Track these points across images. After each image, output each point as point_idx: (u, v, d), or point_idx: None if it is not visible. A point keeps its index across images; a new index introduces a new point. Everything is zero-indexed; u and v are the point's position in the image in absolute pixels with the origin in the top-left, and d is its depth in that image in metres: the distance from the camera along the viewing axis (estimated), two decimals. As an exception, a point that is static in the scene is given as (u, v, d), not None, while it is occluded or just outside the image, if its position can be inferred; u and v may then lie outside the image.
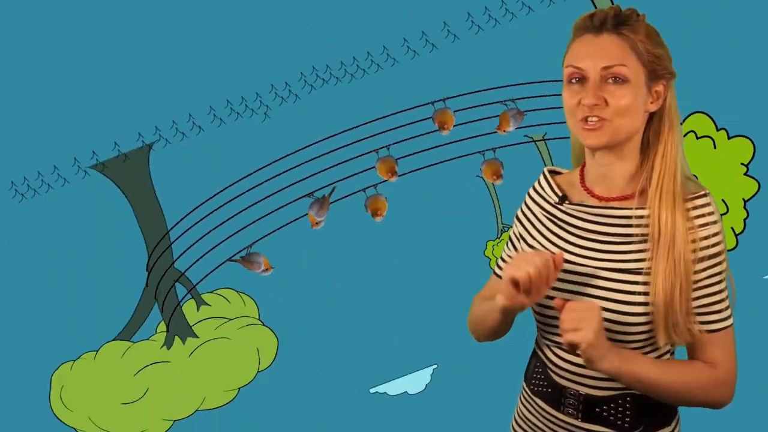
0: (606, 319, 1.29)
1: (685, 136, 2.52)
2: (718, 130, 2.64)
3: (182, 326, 2.77)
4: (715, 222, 1.29)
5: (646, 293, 1.29)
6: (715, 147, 2.66)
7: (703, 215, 1.28)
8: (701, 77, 2.54)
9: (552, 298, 1.32)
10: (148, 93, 2.66)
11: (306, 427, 2.77)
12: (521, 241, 1.47)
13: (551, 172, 1.46)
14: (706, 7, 2.59)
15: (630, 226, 1.31)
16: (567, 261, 1.34)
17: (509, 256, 1.52)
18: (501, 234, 2.69)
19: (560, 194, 1.39)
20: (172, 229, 2.72)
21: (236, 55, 2.64)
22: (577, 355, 1.31)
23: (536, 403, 1.46)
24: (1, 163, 2.68)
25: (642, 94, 1.28)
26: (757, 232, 2.68)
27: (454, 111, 2.61)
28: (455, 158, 2.63)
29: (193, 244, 2.70)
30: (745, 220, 2.68)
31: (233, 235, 2.67)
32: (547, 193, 1.43)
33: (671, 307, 1.27)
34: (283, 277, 2.73)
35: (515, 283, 1.24)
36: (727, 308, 1.33)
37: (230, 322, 2.77)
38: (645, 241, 1.29)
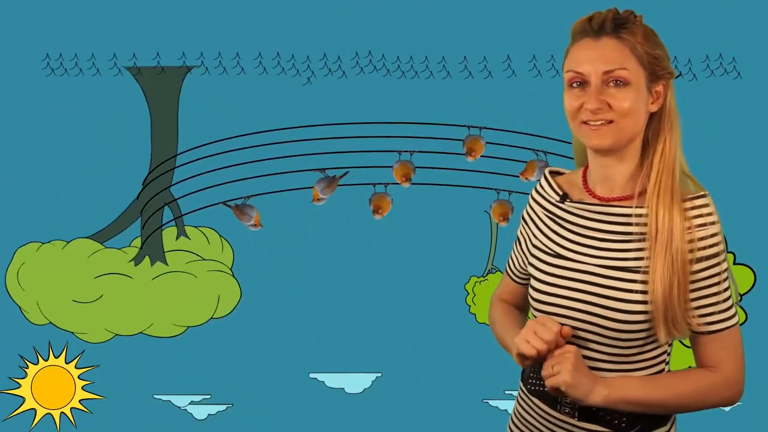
0: (605, 317, 1.31)
1: None
2: (727, 252, 2.64)
3: (156, 249, 2.76)
4: (713, 223, 1.29)
5: (644, 291, 1.29)
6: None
7: (701, 215, 1.29)
8: (723, 195, 2.54)
9: (562, 316, 1.37)
10: (207, 19, 2.67)
11: (237, 387, 2.77)
12: (527, 241, 1.50)
13: (552, 172, 1.48)
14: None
15: (629, 224, 1.32)
16: (567, 258, 1.37)
17: (516, 256, 1.56)
18: (486, 274, 2.69)
19: (561, 193, 1.41)
20: (180, 154, 2.72)
21: (305, 13, 2.66)
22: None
23: (533, 403, 1.47)
24: (42, 33, 2.67)
25: (643, 96, 1.30)
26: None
27: (486, 142, 2.61)
28: (470, 187, 2.64)
29: (195, 176, 2.70)
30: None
31: (235, 181, 2.67)
32: (548, 193, 1.44)
33: (670, 302, 1.28)
34: (268, 238, 2.73)
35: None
36: (730, 308, 1.33)
37: (203, 261, 2.77)
38: (644, 240, 1.30)
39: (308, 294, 2.70)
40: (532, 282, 1.43)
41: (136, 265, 2.76)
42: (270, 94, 2.68)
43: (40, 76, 2.66)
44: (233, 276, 2.77)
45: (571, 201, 1.39)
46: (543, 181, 1.47)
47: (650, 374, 1.36)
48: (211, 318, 2.76)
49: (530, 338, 1.29)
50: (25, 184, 2.70)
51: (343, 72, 2.67)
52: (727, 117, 2.60)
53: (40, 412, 2.76)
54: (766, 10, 2.57)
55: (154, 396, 2.77)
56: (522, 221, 1.52)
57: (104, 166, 2.71)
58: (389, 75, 2.63)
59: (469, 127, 2.62)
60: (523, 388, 1.50)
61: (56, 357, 2.74)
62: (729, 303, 1.33)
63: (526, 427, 1.49)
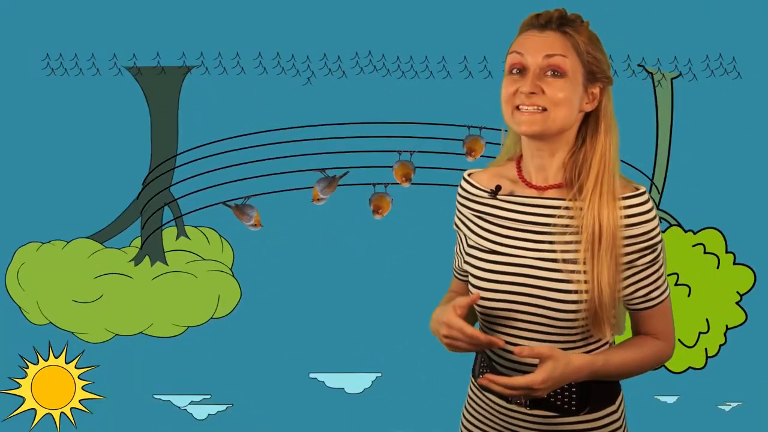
0: (548, 308, 1.35)
1: (693, 246, 2.62)
2: (727, 252, 2.64)
3: (156, 249, 2.75)
4: (654, 217, 1.34)
5: (585, 281, 1.33)
6: (718, 267, 2.67)
7: (641, 213, 1.33)
8: (723, 195, 2.63)
9: (505, 310, 1.39)
10: (207, 19, 2.65)
11: (237, 387, 2.77)
12: (460, 246, 1.54)
13: (470, 174, 1.51)
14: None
15: (564, 216, 1.35)
16: (504, 254, 1.39)
17: (457, 259, 1.59)
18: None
19: (491, 188, 1.44)
20: (180, 154, 2.70)
21: (305, 13, 2.64)
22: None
23: (485, 397, 1.49)
24: (42, 33, 2.65)
25: (578, 92, 1.33)
26: (727, 362, 2.69)
27: (486, 142, 2.61)
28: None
29: (195, 176, 2.68)
30: (721, 346, 2.69)
31: (235, 181, 2.65)
32: (473, 194, 1.48)
33: (613, 303, 1.34)
34: (268, 238, 2.71)
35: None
36: (664, 282, 1.40)
37: (203, 261, 2.76)
38: (579, 233, 1.33)
39: (308, 294, 2.68)
40: (471, 280, 1.44)
41: (136, 265, 2.74)
42: (270, 94, 2.66)
43: (40, 76, 2.64)
44: (233, 276, 2.76)
45: (504, 194, 1.42)
46: (464, 184, 1.50)
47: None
48: (211, 318, 2.75)
49: (458, 344, 1.34)
50: (25, 184, 2.69)
51: (343, 72, 2.65)
52: (727, 117, 2.61)
53: (40, 412, 2.75)
54: (766, 10, 2.57)
55: (154, 396, 2.76)
56: (455, 227, 1.55)
57: (104, 166, 2.70)
58: (389, 75, 2.63)
59: (469, 127, 2.62)
60: (475, 383, 1.52)
61: (56, 357, 2.73)
62: (663, 278, 1.40)
63: (480, 421, 1.51)
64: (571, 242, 1.35)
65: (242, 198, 2.69)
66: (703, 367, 2.67)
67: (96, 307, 2.72)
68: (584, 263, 1.32)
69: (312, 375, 2.74)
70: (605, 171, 1.34)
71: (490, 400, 1.48)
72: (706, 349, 2.67)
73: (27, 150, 2.69)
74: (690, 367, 2.66)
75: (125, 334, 2.75)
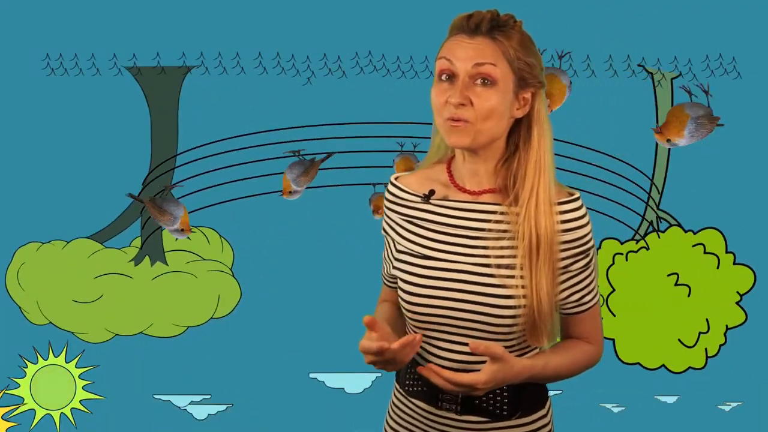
0: (483, 314, 1.33)
1: (693, 246, 2.63)
2: (727, 252, 2.65)
3: (156, 249, 2.74)
4: (587, 222, 1.35)
5: (522, 286, 1.32)
6: (718, 267, 2.67)
7: (577, 218, 1.34)
8: (723, 195, 2.63)
9: (438, 316, 1.36)
10: (207, 19, 2.64)
11: (237, 387, 2.75)
12: (389, 252, 1.50)
13: (397, 178, 1.48)
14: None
15: (501, 222, 1.34)
16: (437, 259, 1.37)
17: (386, 265, 1.55)
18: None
19: (423, 193, 1.41)
20: (180, 154, 2.70)
21: (305, 13, 2.63)
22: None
23: (413, 404, 1.46)
24: (42, 33, 2.65)
25: (508, 99, 1.31)
26: (728, 362, 2.69)
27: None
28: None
29: (195, 175, 2.67)
30: (721, 346, 2.68)
31: (235, 181, 2.65)
32: (402, 198, 1.44)
33: (551, 311, 1.34)
34: (268, 238, 2.70)
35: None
36: (594, 288, 1.40)
37: (203, 261, 2.75)
38: (515, 238, 1.32)
39: (308, 294, 2.67)
40: (402, 286, 1.41)
41: (136, 265, 2.74)
42: (270, 94, 2.65)
43: (40, 76, 2.64)
44: (233, 276, 2.75)
45: (437, 199, 1.40)
46: (392, 188, 1.46)
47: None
48: (211, 318, 2.75)
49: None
50: (25, 184, 2.68)
51: (343, 72, 2.65)
52: (727, 117, 2.58)
53: (40, 413, 2.74)
54: (766, 10, 2.57)
55: (154, 396, 2.75)
56: (383, 233, 1.51)
57: (104, 165, 2.69)
58: (389, 75, 2.63)
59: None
60: (401, 390, 1.49)
61: (56, 357, 2.72)
62: (594, 284, 1.40)
63: (406, 428, 1.49)
64: (506, 248, 1.34)
65: (163, 188, 2.63)
66: (703, 367, 2.67)
67: (96, 307, 2.72)
68: (521, 269, 1.32)
69: (312, 375, 2.74)
70: (541, 178, 1.33)
71: (418, 406, 1.45)
72: (706, 349, 2.67)
73: (27, 150, 2.68)
74: (690, 367, 2.65)
75: (125, 334, 2.75)
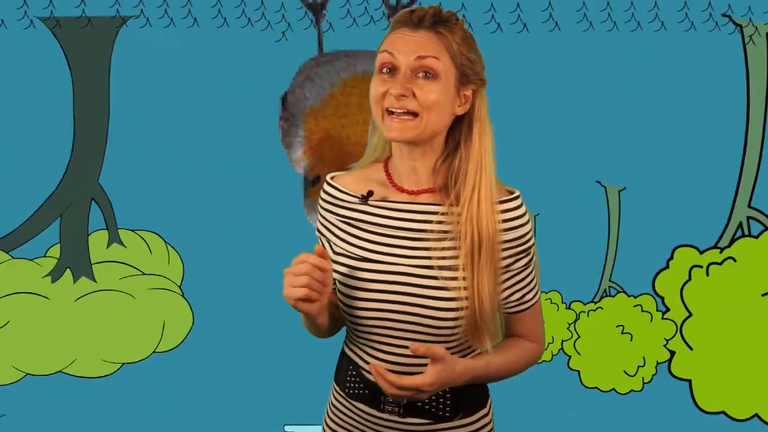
0: (425, 316, 1.41)
1: (722, 263, 2.54)
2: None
3: (80, 260, 2.49)
4: (528, 221, 1.44)
5: (464, 288, 1.41)
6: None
7: (517, 217, 1.42)
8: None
9: (379, 318, 1.43)
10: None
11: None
12: (327, 251, 1.55)
13: (333, 178, 1.57)
14: None
15: (442, 222, 1.43)
16: (376, 261, 1.45)
17: None
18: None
19: (362, 194, 1.49)
20: (112, 133, 2.44)
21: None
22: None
23: (354, 406, 1.54)
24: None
25: (450, 94, 1.39)
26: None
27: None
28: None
29: (131, 162, 2.41)
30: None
31: (185, 171, 2.39)
32: (339, 198, 1.52)
33: (493, 311, 1.43)
34: (227, 248, 2.48)
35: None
36: (535, 286, 1.51)
37: (143, 276, 2.50)
38: (456, 239, 1.42)
39: (277, 318, 2.26)
40: (341, 288, 1.48)
41: (53, 281, 2.51)
42: (232, 53, 2.41)
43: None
44: (183, 296, 2.54)
45: (375, 199, 1.49)
46: (329, 189, 1.54)
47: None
48: (154, 352, 2.53)
49: (292, 280, 1.35)
50: None
51: (330, 24, 2.42)
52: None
53: None
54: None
55: (78, 455, 2.52)
56: (318, 233, 1.58)
57: (12, 149, 2.45)
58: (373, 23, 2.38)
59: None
60: (341, 392, 1.57)
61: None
62: (535, 282, 1.51)
63: (347, 429, 1.56)
64: (448, 248, 1.42)
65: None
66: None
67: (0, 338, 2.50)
68: (463, 270, 1.41)
69: (288, 429, 2.51)
70: (482, 177, 1.41)
71: (359, 408, 1.53)
72: None
73: None
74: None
75: (39, 374, 2.51)
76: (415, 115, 1.37)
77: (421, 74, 1.36)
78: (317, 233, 1.58)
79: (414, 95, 1.36)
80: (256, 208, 2.49)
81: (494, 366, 1.48)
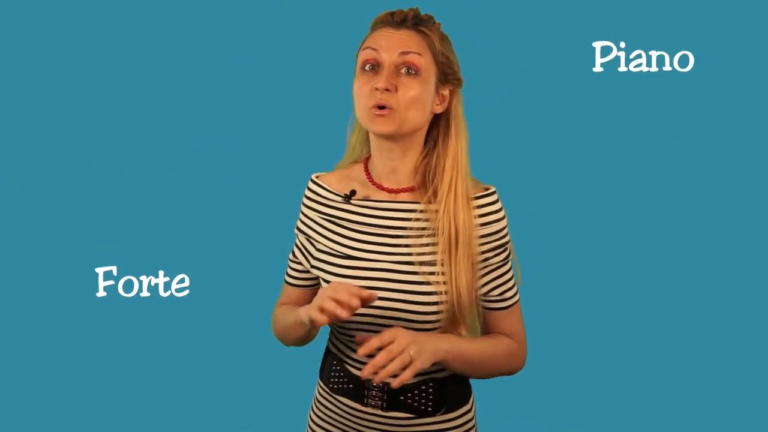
0: (407, 311, 1.38)
1: None
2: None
3: None
4: (503, 217, 1.44)
5: (444, 282, 1.38)
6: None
7: (494, 212, 1.41)
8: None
9: (363, 314, 1.40)
10: None
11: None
12: (305, 251, 1.55)
13: (318, 176, 1.54)
14: None
15: (420, 219, 1.41)
16: (359, 258, 1.43)
17: (295, 265, 1.60)
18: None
19: (345, 193, 1.48)
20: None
21: None
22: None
23: (338, 401, 1.52)
24: None
25: (430, 92, 1.38)
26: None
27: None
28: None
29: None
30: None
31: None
32: (324, 197, 1.50)
33: (471, 304, 1.41)
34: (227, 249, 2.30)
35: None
36: (514, 286, 1.49)
37: None
38: (435, 235, 1.40)
39: (263, 319, 2.01)
40: (324, 285, 1.46)
41: None
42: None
43: None
44: None
45: (357, 198, 1.48)
46: (314, 187, 1.52)
47: None
48: None
49: (339, 305, 1.28)
50: None
51: None
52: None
53: None
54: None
55: None
56: (297, 231, 1.55)
57: None
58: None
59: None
60: (325, 388, 1.55)
61: None
62: (513, 281, 1.48)
63: (331, 425, 1.52)
64: (427, 245, 1.40)
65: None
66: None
67: None
68: (441, 264, 1.38)
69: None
70: (458, 173, 1.39)
71: (343, 403, 1.51)
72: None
73: None
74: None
75: None
76: (396, 110, 1.37)
77: (404, 70, 1.36)
78: (296, 230, 1.55)
79: (397, 90, 1.35)
80: (254, 207, 2.27)
81: (473, 345, 1.41)
